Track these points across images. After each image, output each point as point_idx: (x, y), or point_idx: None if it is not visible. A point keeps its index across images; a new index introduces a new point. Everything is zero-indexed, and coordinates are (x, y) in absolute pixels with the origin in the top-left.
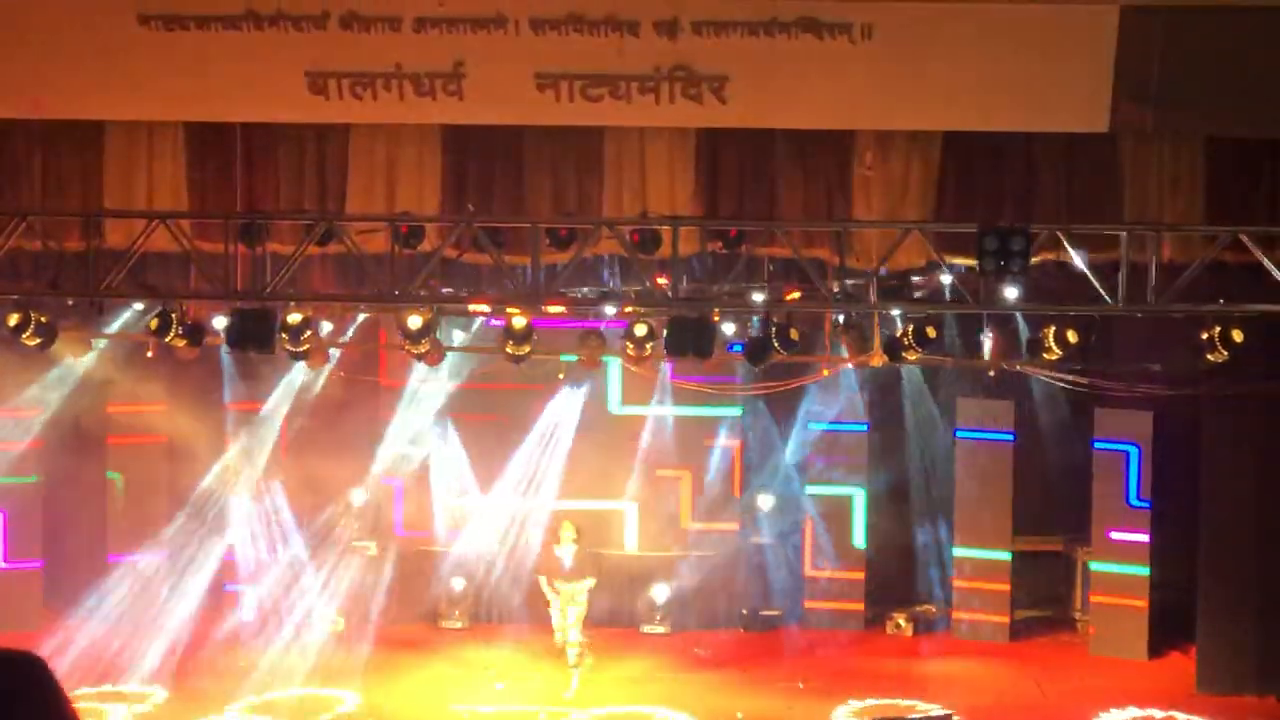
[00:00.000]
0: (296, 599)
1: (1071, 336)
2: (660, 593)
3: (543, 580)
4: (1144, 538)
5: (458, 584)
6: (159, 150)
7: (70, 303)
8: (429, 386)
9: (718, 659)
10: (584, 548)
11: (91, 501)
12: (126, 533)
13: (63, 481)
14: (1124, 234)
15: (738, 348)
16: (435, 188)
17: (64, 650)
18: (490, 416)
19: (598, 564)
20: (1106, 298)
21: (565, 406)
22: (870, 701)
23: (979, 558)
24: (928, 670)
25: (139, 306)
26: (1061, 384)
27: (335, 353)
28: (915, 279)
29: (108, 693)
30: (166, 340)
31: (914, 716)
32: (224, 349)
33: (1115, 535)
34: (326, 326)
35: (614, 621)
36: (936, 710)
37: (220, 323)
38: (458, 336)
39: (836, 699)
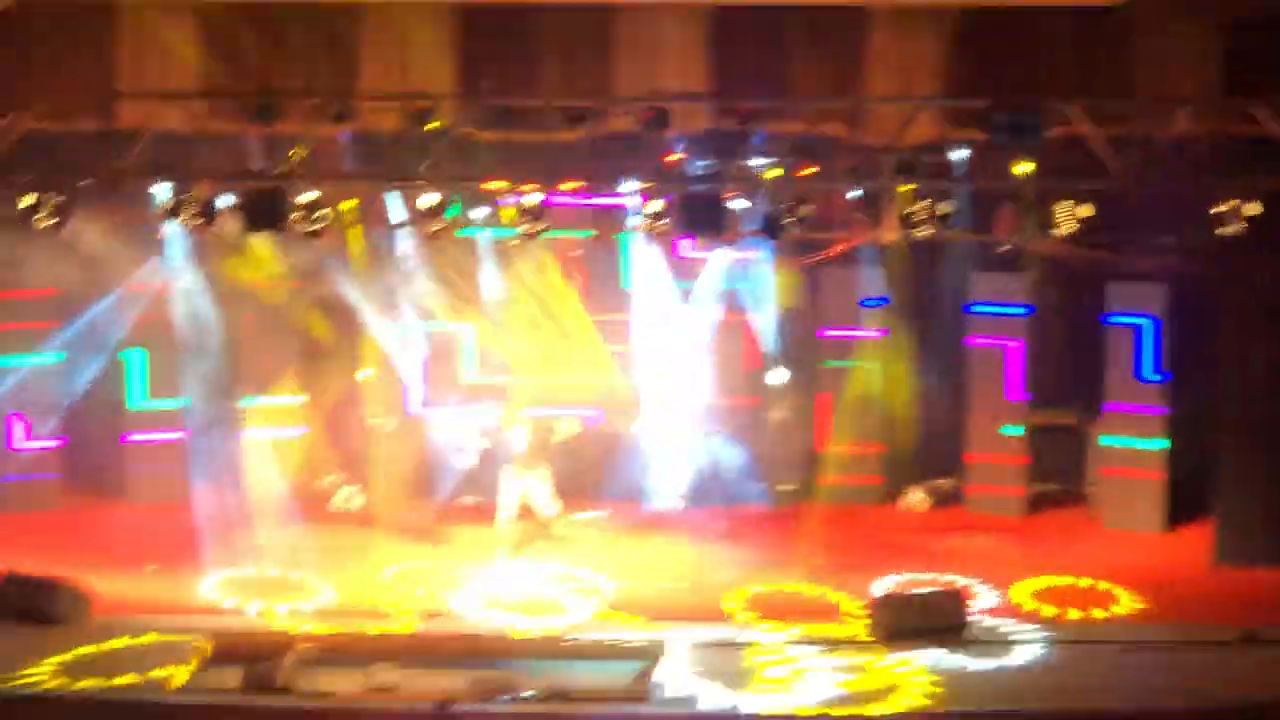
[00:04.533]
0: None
1: (1084, 211)
2: (675, 468)
3: (508, 468)
4: (1158, 411)
5: (471, 461)
6: (172, 30)
7: (83, 184)
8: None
9: (733, 536)
10: (540, 429)
11: (108, 380)
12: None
13: (80, 361)
14: (1138, 107)
15: (750, 225)
16: (449, 66)
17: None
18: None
19: (549, 445)
20: (1119, 172)
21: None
22: (888, 578)
23: (995, 432)
24: (943, 545)
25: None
26: (1074, 258)
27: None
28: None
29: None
30: (180, 220)
31: (926, 591)
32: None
33: (1128, 409)
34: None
35: (628, 498)
36: (949, 583)
37: (232, 201)
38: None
39: (854, 575)
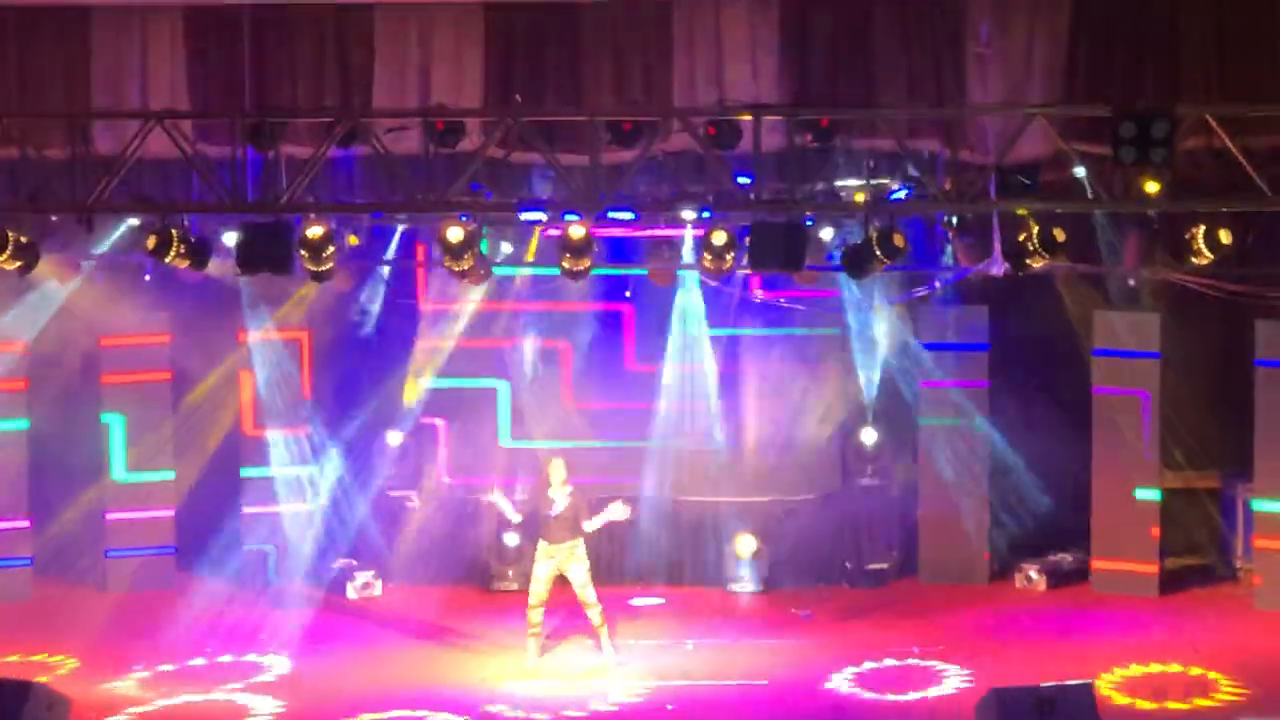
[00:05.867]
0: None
1: (1224, 237)
2: (749, 545)
3: (542, 545)
4: None
5: (512, 540)
6: (154, 39)
7: (54, 219)
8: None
9: (819, 622)
10: (578, 494)
11: (85, 450)
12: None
13: (51, 427)
14: None
15: (834, 258)
16: (476, 77)
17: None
18: (551, 342)
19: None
20: (1266, 190)
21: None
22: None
23: (1124, 497)
24: (1064, 631)
25: (134, 222)
26: (1215, 293)
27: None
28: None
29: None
30: (167, 261)
31: (1047, 686)
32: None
33: None
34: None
35: (696, 580)
36: (1075, 682)
37: (230, 239)
38: (505, 250)
39: (960, 666)
